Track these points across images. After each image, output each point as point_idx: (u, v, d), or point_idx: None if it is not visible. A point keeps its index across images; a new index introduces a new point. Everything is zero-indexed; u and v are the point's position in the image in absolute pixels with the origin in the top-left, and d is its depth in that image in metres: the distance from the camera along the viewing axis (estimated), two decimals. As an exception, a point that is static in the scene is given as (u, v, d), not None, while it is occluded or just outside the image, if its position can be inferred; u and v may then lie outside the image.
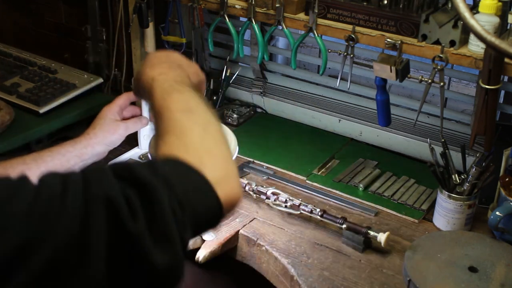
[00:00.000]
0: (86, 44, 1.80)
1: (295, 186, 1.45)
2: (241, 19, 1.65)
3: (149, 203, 0.63)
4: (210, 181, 0.70)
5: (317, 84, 1.74)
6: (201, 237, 1.25)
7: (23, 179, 0.62)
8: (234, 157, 1.27)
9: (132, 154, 1.53)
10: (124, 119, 1.50)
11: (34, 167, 1.27)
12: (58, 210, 0.59)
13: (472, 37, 1.23)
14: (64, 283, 0.58)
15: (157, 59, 0.97)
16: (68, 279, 0.58)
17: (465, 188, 1.28)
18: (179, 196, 0.66)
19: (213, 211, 0.71)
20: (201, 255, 1.22)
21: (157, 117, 0.83)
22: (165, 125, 0.79)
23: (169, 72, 0.91)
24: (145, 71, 0.93)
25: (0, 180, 0.61)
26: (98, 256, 0.59)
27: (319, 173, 1.50)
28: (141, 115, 1.49)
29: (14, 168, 1.24)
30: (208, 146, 0.77)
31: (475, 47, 1.22)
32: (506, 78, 1.42)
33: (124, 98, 1.48)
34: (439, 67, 1.26)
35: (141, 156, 1.51)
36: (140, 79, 0.95)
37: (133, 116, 1.50)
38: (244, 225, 1.31)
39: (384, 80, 1.34)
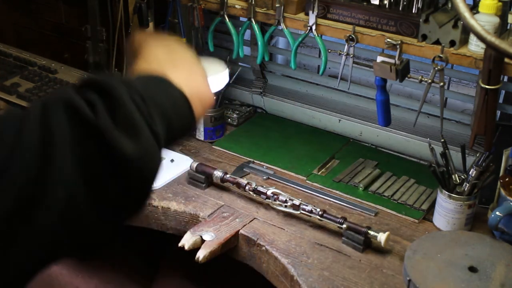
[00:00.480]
0: (86, 44, 1.79)
1: (295, 186, 1.45)
2: (241, 19, 1.65)
3: (109, 99, 0.64)
4: (172, 80, 0.72)
5: (317, 84, 1.74)
6: (201, 237, 1.26)
7: None
8: (222, 86, 1.29)
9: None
10: None
11: None
12: (18, 126, 0.60)
13: (472, 37, 1.23)
14: (39, 195, 0.58)
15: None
16: (42, 189, 0.58)
17: (465, 188, 1.28)
18: (139, 89, 0.67)
19: (179, 102, 0.72)
20: (201, 255, 1.22)
21: (138, 52, 0.84)
22: (142, 56, 0.81)
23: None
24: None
25: None
26: (65, 158, 0.59)
27: (319, 173, 1.50)
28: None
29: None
30: (173, 61, 0.78)
31: (475, 47, 1.22)
32: (506, 78, 1.42)
33: None
34: (439, 67, 1.26)
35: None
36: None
37: None
38: (244, 225, 1.31)
39: (384, 80, 1.34)
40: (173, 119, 0.71)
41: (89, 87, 0.65)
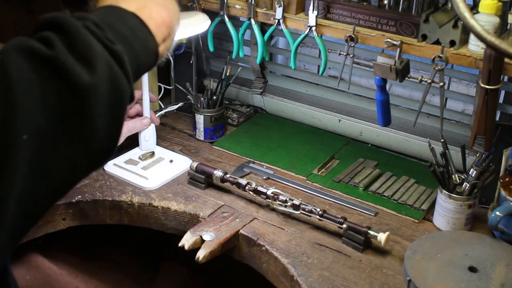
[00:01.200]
0: (86, 44, 1.79)
1: (295, 186, 1.45)
2: (241, 19, 1.65)
3: (63, 32, 0.63)
4: (128, 9, 0.71)
5: (317, 84, 1.74)
6: (201, 237, 1.26)
7: None
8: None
9: (132, 154, 1.53)
10: (129, 116, 1.50)
11: None
12: None
13: (472, 37, 1.23)
14: (8, 142, 0.58)
15: None
16: (11, 136, 0.58)
17: (465, 188, 1.28)
18: (92, 19, 0.67)
19: (136, 26, 0.71)
20: (201, 255, 1.22)
21: None
22: None
23: None
24: None
25: None
26: (27, 100, 0.58)
27: (319, 173, 1.50)
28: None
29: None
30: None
31: (475, 47, 1.22)
32: (506, 78, 1.42)
33: None
34: (439, 67, 1.26)
35: (141, 156, 1.51)
36: None
37: (137, 115, 1.51)
38: (244, 225, 1.31)
39: (384, 80, 1.34)
40: (134, 44, 0.70)
41: (42, 28, 0.64)
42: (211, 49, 1.59)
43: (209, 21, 1.37)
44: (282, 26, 1.43)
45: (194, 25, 1.32)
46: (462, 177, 1.29)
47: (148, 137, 1.53)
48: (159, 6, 0.76)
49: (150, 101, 1.50)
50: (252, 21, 1.47)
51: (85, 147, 0.63)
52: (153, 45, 0.74)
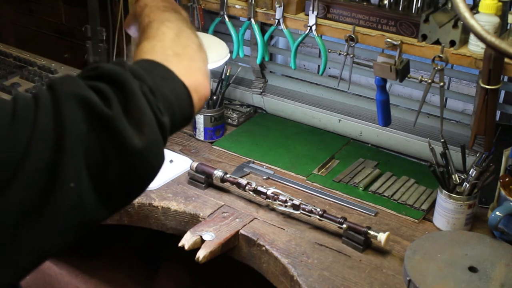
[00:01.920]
0: (86, 44, 1.79)
1: (295, 186, 1.45)
2: (241, 19, 1.65)
3: (120, 90, 0.66)
4: (176, 73, 0.74)
5: (317, 84, 1.74)
6: (201, 237, 1.26)
7: None
8: (223, 61, 1.27)
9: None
10: None
11: None
12: (33, 114, 0.61)
13: (472, 37, 1.23)
14: (50, 187, 0.60)
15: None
16: (54, 180, 0.60)
17: (465, 188, 1.28)
18: (148, 83, 0.69)
19: (184, 99, 0.74)
20: (201, 255, 1.22)
21: (140, 33, 0.86)
22: (144, 34, 0.83)
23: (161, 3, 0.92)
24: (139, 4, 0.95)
25: None
26: (75, 152, 0.61)
27: (319, 173, 1.50)
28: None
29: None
30: (177, 49, 0.79)
31: (475, 47, 1.22)
32: (506, 78, 1.42)
33: None
34: (439, 67, 1.26)
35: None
36: (133, 12, 0.97)
37: None
38: (244, 225, 1.31)
39: (384, 80, 1.34)
40: (176, 112, 0.73)
41: (100, 79, 0.66)
42: (211, 49, 1.59)
43: (228, 55, 1.39)
44: (282, 26, 1.43)
45: (213, 62, 1.33)
46: (462, 177, 1.29)
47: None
48: (204, 76, 0.80)
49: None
50: (252, 21, 1.47)
51: (115, 196, 0.67)
52: (190, 116, 0.77)
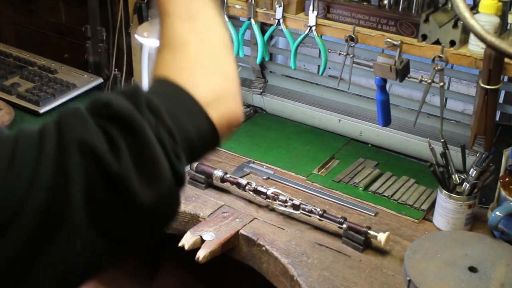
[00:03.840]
0: (86, 44, 1.80)
1: (295, 186, 1.45)
2: (241, 19, 1.65)
3: (133, 138, 0.59)
4: (201, 103, 0.65)
5: (317, 84, 1.74)
6: (201, 237, 1.26)
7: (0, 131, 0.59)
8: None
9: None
10: None
11: None
12: (35, 160, 0.56)
13: (472, 37, 1.23)
14: (46, 242, 0.56)
15: None
16: (51, 237, 0.56)
17: (465, 188, 1.28)
18: (167, 123, 0.61)
19: (207, 135, 0.66)
20: (201, 255, 1.22)
21: (160, 23, 0.74)
22: (163, 36, 0.72)
23: None
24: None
25: None
26: (78, 203, 0.56)
27: (319, 173, 1.50)
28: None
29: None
30: (204, 61, 0.70)
31: (475, 47, 1.22)
32: (506, 78, 1.42)
33: None
34: (439, 67, 1.26)
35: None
36: None
37: None
38: (244, 225, 1.31)
39: (384, 80, 1.34)
40: (197, 150, 0.66)
41: (112, 119, 0.59)
42: (211, 49, 1.59)
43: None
44: (282, 26, 1.43)
45: None
46: (462, 177, 1.29)
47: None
48: (236, 99, 0.70)
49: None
50: (252, 21, 1.47)
51: (121, 245, 0.62)
52: (213, 150, 0.69)
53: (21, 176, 0.55)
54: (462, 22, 1.18)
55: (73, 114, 0.60)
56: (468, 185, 1.27)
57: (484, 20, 1.16)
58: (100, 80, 1.69)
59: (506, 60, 1.17)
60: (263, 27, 1.62)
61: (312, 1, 1.36)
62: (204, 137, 0.65)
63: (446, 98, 1.59)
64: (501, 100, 1.47)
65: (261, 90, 1.78)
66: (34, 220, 0.55)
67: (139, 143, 0.59)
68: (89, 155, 0.57)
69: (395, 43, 1.28)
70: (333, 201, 1.40)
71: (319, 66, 1.73)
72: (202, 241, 1.25)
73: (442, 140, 1.30)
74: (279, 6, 1.40)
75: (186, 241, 1.25)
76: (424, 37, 1.26)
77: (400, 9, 1.32)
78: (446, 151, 1.30)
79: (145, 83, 1.48)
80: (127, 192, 0.57)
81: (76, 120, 0.59)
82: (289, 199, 1.32)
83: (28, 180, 0.55)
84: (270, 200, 1.35)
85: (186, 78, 0.66)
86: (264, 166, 1.53)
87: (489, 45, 0.93)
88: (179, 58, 0.69)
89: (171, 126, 0.61)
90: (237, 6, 1.49)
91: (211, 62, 0.70)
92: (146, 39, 1.48)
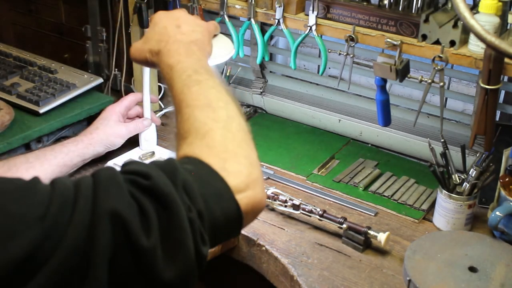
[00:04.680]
0: (86, 44, 1.80)
1: (295, 186, 1.45)
2: (241, 19, 1.65)
3: (166, 215, 0.60)
4: (232, 189, 0.67)
5: (317, 84, 1.74)
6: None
7: (36, 182, 0.60)
8: (229, 56, 1.25)
9: (133, 154, 1.52)
10: (129, 118, 1.51)
11: (37, 166, 1.27)
12: (68, 220, 0.57)
13: (472, 37, 1.23)
14: None
15: (167, 32, 0.92)
16: None
17: (465, 188, 1.28)
18: (199, 205, 0.63)
19: (233, 221, 0.68)
20: (201, 255, 1.22)
21: (177, 111, 0.79)
22: (185, 124, 0.75)
23: (187, 58, 0.86)
24: (160, 54, 0.89)
25: (13, 181, 0.59)
26: (101, 270, 0.57)
27: (319, 173, 1.50)
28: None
29: (17, 167, 1.25)
30: (232, 147, 0.72)
31: (475, 47, 1.22)
32: (506, 78, 1.42)
33: (131, 99, 1.49)
34: (439, 67, 1.26)
35: (141, 156, 1.51)
36: (148, 55, 0.92)
37: (138, 116, 1.51)
38: (244, 225, 1.31)
39: (384, 80, 1.35)
40: (221, 233, 0.67)
41: (147, 191, 0.61)
42: (211, 49, 1.59)
43: (233, 51, 1.38)
44: (282, 26, 1.43)
45: (219, 56, 1.32)
46: (462, 177, 1.29)
47: (149, 137, 1.53)
48: (261, 184, 0.71)
49: (151, 101, 1.50)
50: (252, 21, 1.47)
51: None
52: (235, 235, 0.70)
53: (49, 236, 0.56)
54: (462, 22, 1.18)
55: (111, 180, 0.61)
56: (468, 185, 1.27)
57: (484, 20, 1.16)
58: (100, 80, 1.69)
59: (506, 60, 1.17)
60: (263, 27, 1.62)
61: (312, 1, 1.36)
62: (230, 222, 0.67)
63: (446, 98, 1.59)
64: (501, 100, 1.47)
65: (261, 90, 1.78)
66: (54, 278, 0.55)
67: (171, 222, 0.60)
68: (120, 226, 0.58)
69: (395, 43, 1.28)
70: (333, 201, 1.40)
71: (319, 66, 1.73)
72: (202, 241, 1.25)
73: (442, 140, 1.30)
74: (279, 6, 1.40)
75: (186, 241, 1.25)
76: (424, 37, 1.26)
77: (400, 9, 1.32)
78: (446, 151, 1.30)
79: (145, 84, 1.48)
80: (151, 267, 0.58)
81: (113, 188, 0.60)
82: (289, 199, 1.32)
83: (56, 240, 0.56)
84: (270, 200, 1.35)
85: (217, 162, 0.68)
86: (264, 166, 1.53)
87: (489, 45, 0.93)
88: (207, 143, 0.71)
89: (203, 209, 0.63)
90: (237, 6, 1.49)
91: (238, 149, 0.72)
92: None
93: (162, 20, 0.96)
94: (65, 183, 0.61)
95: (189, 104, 0.77)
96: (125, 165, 0.67)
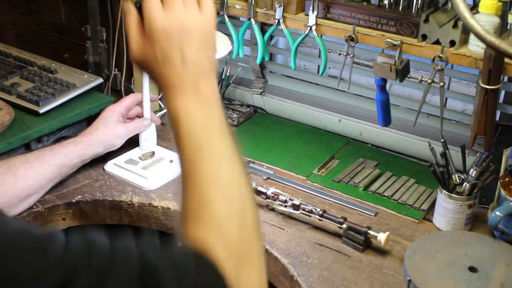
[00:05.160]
0: (86, 44, 1.80)
1: (295, 186, 1.45)
2: (241, 19, 1.65)
3: None
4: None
5: (317, 84, 1.74)
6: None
7: (53, 239, 0.61)
8: (227, 51, 1.22)
9: (133, 154, 1.52)
10: (129, 118, 1.51)
11: (37, 166, 1.27)
12: None
13: (472, 37, 1.23)
14: None
15: (171, 62, 0.79)
16: None
17: (465, 188, 1.28)
18: None
19: None
20: (201, 255, 1.22)
21: (184, 175, 0.74)
22: (195, 200, 0.71)
23: (195, 108, 0.78)
24: (164, 86, 0.78)
25: (29, 236, 0.59)
26: None
27: (319, 173, 1.50)
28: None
29: (17, 168, 1.25)
30: (248, 247, 0.70)
31: (475, 47, 1.22)
32: (506, 78, 1.42)
33: (131, 100, 1.49)
34: (439, 67, 1.26)
35: (141, 156, 1.51)
36: (147, 70, 0.81)
37: (137, 116, 1.51)
38: (244, 225, 1.31)
39: (384, 80, 1.35)
40: None
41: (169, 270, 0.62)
42: (211, 49, 1.59)
43: (230, 47, 1.37)
44: (282, 26, 1.43)
45: (217, 52, 1.31)
46: (462, 177, 1.29)
47: (149, 137, 1.53)
48: (260, 270, 0.71)
49: (151, 100, 1.50)
50: (252, 21, 1.47)
51: None
52: None
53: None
54: (462, 22, 1.19)
55: (124, 270, 0.61)
56: (468, 185, 1.27)
57: (484, 20, 1.16)
58: (100, 80, 1.69)
59: (506, 60, 1.17)
60: (263, 27, 1.62)
61: (312, 1, 1.36)
62: None
63: (446, 98, 1.59)
64: (501, 100, 1.47)
65: (261, 90, 1.78)
66: None
67: None
68: None
69: (395, 43, 1.28)
70: (333, 201, 1.40)
71: (319, 66, 1.73)
72: (202, 241, 1.25)
73: (442, 140, 1.30)
74: (279, 6, 1.40)
75: (186, 241, 1.25)
76: (424, 37, 1.26)
77: (400, 9, 1.32)
78: (446, 151, 1.30)
79: (145, 84, 1.48)
80: None
81: (123, 279, 0.60)
82: (289, 199, 1.32)
83: None
84: (270, 200, 1.35)
85: (233, 266, 0.67)
86: (264, 166, 1.53)
87: (489, 45, 0.93)
88: (223, 236, 0.69)
89: None
90: (237, 6, 1.49)
91: (253, 249, 0.71)
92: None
93: (164, 43, 0.82)
94: (79, 245, 0.61)
95: (200, 174, 0.73)
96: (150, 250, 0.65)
